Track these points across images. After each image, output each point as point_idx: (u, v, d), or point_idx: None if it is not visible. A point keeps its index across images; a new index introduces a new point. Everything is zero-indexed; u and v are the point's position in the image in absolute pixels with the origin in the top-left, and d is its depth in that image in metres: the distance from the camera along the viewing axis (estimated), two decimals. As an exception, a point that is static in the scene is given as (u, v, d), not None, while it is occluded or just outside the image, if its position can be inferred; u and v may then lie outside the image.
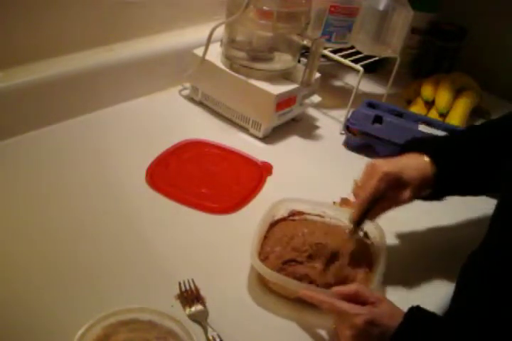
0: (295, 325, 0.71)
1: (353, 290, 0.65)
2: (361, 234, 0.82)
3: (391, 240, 0.83)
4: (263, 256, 0.76)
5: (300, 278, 0.73)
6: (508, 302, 0.58)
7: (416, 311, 0.63)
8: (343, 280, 0.75)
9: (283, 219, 0.83)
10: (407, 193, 0.73)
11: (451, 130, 0.96)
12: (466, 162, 0.75)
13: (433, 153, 0.74)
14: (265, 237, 0.79)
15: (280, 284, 0.72)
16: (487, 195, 0.82)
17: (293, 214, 0.84)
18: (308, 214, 0.84)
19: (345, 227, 0.82)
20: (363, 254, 0.79)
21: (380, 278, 0.73)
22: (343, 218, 0.82)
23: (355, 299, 0.65)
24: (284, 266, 0.75)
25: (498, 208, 0.66)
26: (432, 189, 0.75)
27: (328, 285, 0.72)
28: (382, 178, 0.72)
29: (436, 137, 0.85)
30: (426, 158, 0.74)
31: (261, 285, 0.75)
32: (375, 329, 0.61)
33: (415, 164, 0.74)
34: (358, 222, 0.77)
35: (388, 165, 0.73)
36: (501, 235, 0.63)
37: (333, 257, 0.77)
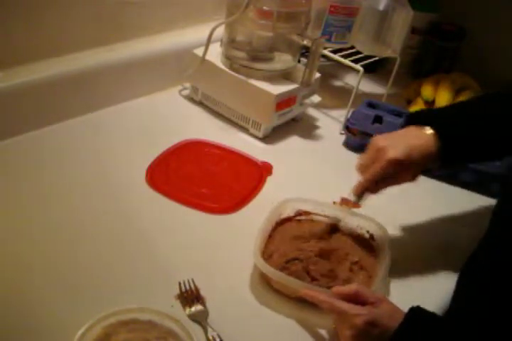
0: (296, 324, 0.71)
1: (353, 290, 0.65)
2: (364, 230, 0.83)
3: (393, 239, 0.83)
4: (266, 255, 0.76)
5: (302, 278, 0.73)
6: (508, 303, 0.59)
7: (416, 311, 0.63)
8: (347, 280, 0.75)
9: (289, 219, 0.83)
10: (411, 172, 0.75)
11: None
12: (469, 131, 0.74)
13: (436, 125, 0.74)
14: (270, 236, 0.79)
15: (282, 283, 0.72)
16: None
17: (299, 213, 0.84)
18: (315, 214, 0.84)
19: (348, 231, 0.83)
20: (367, 255, 0.80)
21: (383, 278, 0.73)
22: (349, 219, 0.83)
23: (355, 299, 0.65)
24: (287, 264, 0.75)
25: (497, 208, 0.66)
26: (439, 161, 0.75)
27: (330, 285, 0.72)
28: (389, 164, 0.72)
29: (438, 109, 0.83)
30: (429, 131, 0.74)
31: (262, 284, 0.75)
32: (375, 330, 0.61)
33: (419, 144, 0.73)
34: (359, 196, 0.79)
35: (395, 150, 0.72)
36: (501, 235, 0.63)
37: (336, 258, 0.77)
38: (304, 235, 0.80)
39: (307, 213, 0.84)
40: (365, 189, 0.77)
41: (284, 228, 0.82)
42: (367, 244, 0.81)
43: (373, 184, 0.76)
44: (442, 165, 0.76)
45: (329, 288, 0.69)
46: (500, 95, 0.79)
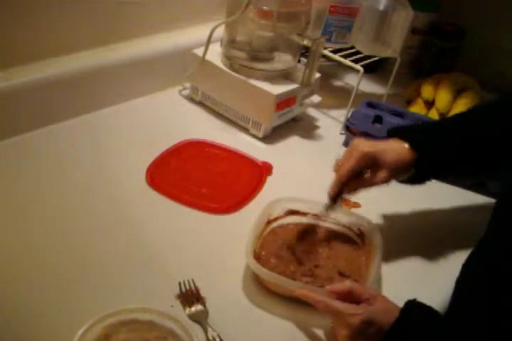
0: (295, 324, 0.71)
1: (346, 288, 0.65)
2: (356, 228, 0.83)
3: (389, 239, 0.83)
4: (259, 255, 0.76)
5: (293, 277, 0.74)
6: (507, 302, 0.59)
7: (412, 305, 0.63)
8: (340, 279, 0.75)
9: (279, 219, 0.84)
10: (383, 173, 0.76)
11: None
12: (444, 147, 0.77)
13: (412, 139, 0.77)
14: (262, 236, 0.79)
15: (275, 283, 0.72)
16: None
17: (289, 213, 0.84)
18: (304, 213, 0.84)
19: (341, 228, 0.83)
20: (357, 253, 0.80)
21: (376, 277, 0.73)
22: (340, 218, 0.83)
23: (349, 296, 0.65)
24: (279, 264, 0.76)
25: (496, 209, 0.66)
26: (412, 173, 0.78)
27: (321, 284, 0.73)
28: (360, 157, 0.76)
29: (417, 124, 0.87)
30: (405, 145, 0.77)
31: (260, 285, 0.75)
32: (372, 328, 0.61)
33: (394, 148, 0.77)
34: (334, 198, 0.79)
35: (368, 145, 0.76)
36: (500, 235, 0.63)
37: (326, 257, 0.78)
38: (294, 237, 0.81)
39: (296, 212, 0.84)
40: (339, 189, 0.78)
41: (274, 228, 0.82)
42: (356, 242, 0.82)
43: (346, 180, 0.77)
44: (416, 175, 0.78)
45: (322, 287, 0.70)
46: (486, 107, 0.83)
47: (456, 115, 0.86)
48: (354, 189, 0.80)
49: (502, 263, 0.61)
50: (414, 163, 0.76)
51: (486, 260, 0.64)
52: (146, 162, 0.93)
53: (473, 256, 0.67)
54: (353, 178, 0.78)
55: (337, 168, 0.80)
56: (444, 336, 0.60)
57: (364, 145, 0.77)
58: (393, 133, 0.80)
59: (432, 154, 0.77)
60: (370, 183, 0.78)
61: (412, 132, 0.80)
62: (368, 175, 0.78)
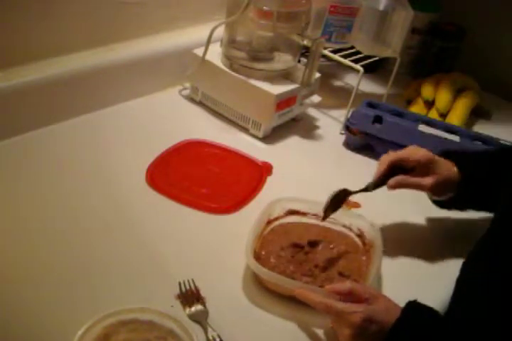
0: (296, 324, 0.71)
1: (346, 288, 0.65)
2: (356, 230, 0.83)
3: (388, 238, 0.82)
4: (259, 254, 0.76)
5: (293, 277, 0.74)
6: (508, 302, 0.59)
7: (413, 305, 0.63)
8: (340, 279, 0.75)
9: (279, 219, 0.84)
10: (430, 180, 0.79)
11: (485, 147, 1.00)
12: (487, 180, 0.80)
13: (461, 166, 0.81)
14: (262, 236, 0.79)
15: (275, 283, 0.72)
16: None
17: (289, 213, 0.84)
18: (304, 213, 0.84)
19: (341, 228, 0.83)
20: (356, 253, 0.80)
21: (375, 276, 0.73)
22: (340, 218, 0.83)
23: (350, 296, 0.65)
24: (279, 264, 0.76)
25: (499, 211, 0.66)
26: (453, 194, 0.81)
27: (321, 284, 0.73)
28: (420, 155, 0.80)
29: (470, 152, 0.90)
30: (455, 168, 0.81)
31: (260, 285, 0.75)
32: (373, 326, 0.61)
33: (447, 166, 0.81)
34: (375, 184, 0.80)
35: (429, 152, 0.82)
36: (501, 235, 0.63)
37: (326, 257, 0.78)
38: (293, 235, 0.81)
39: (297, 212, 0.84)
40: (386, 168, 0.80)
41: (274, 228, 0.82)
42: (356, 242, 0.82)
43: (395, 161, 0.79)
44: (453, 198, 0.82)
45: (322, 287, 0.70)
46: None
47: (506, 149, 0.92)
48: (396, 183, 0.80)
49: (502, 262, 0.61)
50: (457, 185, 0.80)
51: (487, 259, 0.64)
52: (146, 162, 0.93)
53: (473, 255, 0.67)
54: (397, 173, 0.80)
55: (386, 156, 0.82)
56: (445, 336, 0.60)
57: (424, 150, 0.81)
58: (445, 154, 0.83)
59: (476, 180, 0.80)
60: (414, 183, 0.80)
61: (463, 157, 0.84)
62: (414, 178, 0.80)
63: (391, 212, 0.91)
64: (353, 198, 0.91)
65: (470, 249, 0.68)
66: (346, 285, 0.66)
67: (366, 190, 0.80)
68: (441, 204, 0.85)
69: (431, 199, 0.86)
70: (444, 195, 0.82)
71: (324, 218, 0.79)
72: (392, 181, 0.79)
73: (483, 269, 0.64)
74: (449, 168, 0.80)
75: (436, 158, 0.81)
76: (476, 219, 0.89)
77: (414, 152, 0.81)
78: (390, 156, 0.81)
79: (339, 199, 0.79)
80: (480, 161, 0.84)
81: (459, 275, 0.68)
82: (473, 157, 0.86)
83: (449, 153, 0.84)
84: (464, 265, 0.68)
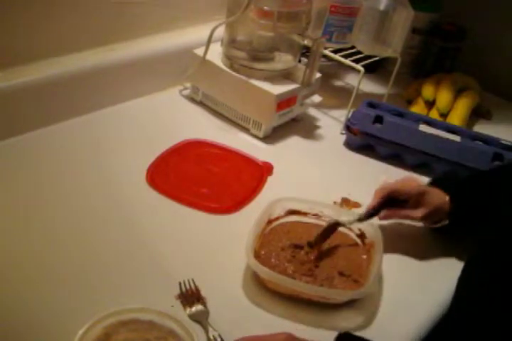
0: (296, 324, 0.70)
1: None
2: (356, 231, 0.83)
3: (385, 235, 0.82)
4: (259, 254, 0.76)
5: (293, 277, 0.74)
6: (508, 302, 0.58)
7: (345, 336, 0.63)
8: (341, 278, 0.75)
9: (279, 218, 0.83)
10: (423, 211, 0.81)
11: (476, 170, 0.98)
12: (479, 206, 0.81)
13: (452, 194, 0.82)
14: (262, 236, 0.79)
15: (275, 282, 0.72)
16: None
17: (289, 213, 0.84)
18: (305, 213, 0.84)
19: (341, 228, 0.83)
20: (357, 253, 0.80)
21: (376, 276, 0.73)
22: (341, 218, 0.83)
23: None
24: (279, 263, 0.76)
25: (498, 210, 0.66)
26: (448, 219, 0.82)
27: (321, 284, 0.73)
28: (412, 186, 0.82)
29: (460, 178, 0.89)
30: (446, 197, 0.81)
31: (261, 284, 0.74)
32: None
33: (439, 195, 0.82)
34: (368, 214, 0.80)
35: (421, 183, 0.85)
36: (503, 237, 0.63)
37: (326, 257, 0.78)
38: (293, 234, 0.81)
39: (297, 212, 0.84)
40: (379, 202, 0.80)
41: (274, 227, 0.82)
42: (357, 242, 0.82)
43: (386, 195, 0.80)
44: (450, 223, 0.82)
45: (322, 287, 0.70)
46: None
47: (495, 169, 0.91)
48: (388, 215, 0.82)
49: (505, 262, 0.60)
50: (448, 214, 0.81)
51: (490, 258, 0.64)
52: (146, 162, 0.93)
53: (475, 255, 0.67)
54: (391, 204, 0.81)
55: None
56: None
57: (419, 182, 0.84)
58: (437, 182, 0.85)
59: (466, 209, 0.81)
60: (403, 215, 0.83)
61: (453, 186, 0.84)
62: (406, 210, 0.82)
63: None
64: (353, 198, 0.92)
65: (472, 249, 0.68)
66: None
67: (359, 220, 0.80)
68: (439, 231, 0.85)
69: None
70: (438, 223, 0.83)
71: (314, 246, 0.79)
72: (382, 214, 0.82)
73: (485, 269, 0.64)
74: (440, 197, 0.81)
75: (428, 189, 0.82)
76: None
77: (406, 184, 0.82)
78: (383, 189, 0.81)
79: (330, 230, 0.80)
80: (471, 186, 0.84)
81: (461, 275, 0.68)
82: (464, 183, 0.86)
83: (440, 180, 0.86)
84: (466, 265, 0.68)
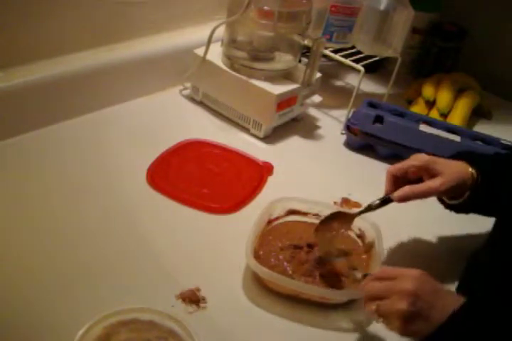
0: (296, 324, 0.70)
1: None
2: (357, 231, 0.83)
3: (385, 236, 0.82)
4: (258, 254, 0.77)
5: (293, 277, 0.74)
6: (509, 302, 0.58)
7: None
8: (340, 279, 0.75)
9: (279, 218, 0.84)
10: (439, 181, 0.73)
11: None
12: (503, 184, 0.75)
13: (477, 166, 0.75)
14: (262, 236, 0.79)
15: (275, 282, 0.72)
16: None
17: (289, 213, 0.84)
18: (305, 213, 0.84)
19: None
20: (357, 253, 0.80)
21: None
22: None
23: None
24: (279, 263, 0.76)
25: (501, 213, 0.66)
26: (464, 198, 0.75)
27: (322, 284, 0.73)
28: (420, 160, 0.74)
29: (486, 154, 0.84)
30: (469, 168, 0.75)
31: (258, 284, 0.74)
32: (421, 301, 0.59)
33: (459, 167, 0.75)
34: (383, 199, 0.76)
35: (431, 156, 0.76)
36: (505, 237, 0.63)
37: (326, 256, 0.78)
38: (294, 234, 0.81)
39: (297, 212, 0.84)
40: (391, 183, 0.76)
41: (275, 227, 0.82)
42: (357, 242, 0.82)
43: (395, 174, 0.75)
44: (463, 202, 0.75)
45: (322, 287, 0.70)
46: None
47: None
48: (404, 195, 0.74)
49: (505, 264, 0.61)
50: (472, 187, 0.74)
51: (493, 257, 0.64)
52: (146, 162, 0.93)
53: (475, 256, 0.67)
54: (406, 182, 0.75)
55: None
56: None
57: (426, 155, 0.76)
58: (460, 156, 0.78)
59: (493, 183, 0.74)
60: (424, 189, 0.73)
61: (480, 159, 0.78)
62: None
63: (391, 211, 0.91)
64: (353, 198, 0.92)
65: (473, 248, 0.68)
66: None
67: (370, 208, 0.77)
68: (455, 209, 0.80)
69: (445, 203, 0.81)
70: (455, 199, 0.77)
71: (316, 233, 0.78)
72: (396, 193, 0.74)
73: (487, 269, 0.64)
74: (458, 166, 0.75)
75: (437, 158, 0.75)
76: (479, 217, 0.89)
77: (411, 158, 0.76)
78: (387, 173, 0.77)
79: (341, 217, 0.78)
80: (498, 162, 0.79)
81: (462, 275, 0.68)
82: (488, 157, 0.80)
83: (461, 154, 0.80)
84: (468, 264, 0.68)
